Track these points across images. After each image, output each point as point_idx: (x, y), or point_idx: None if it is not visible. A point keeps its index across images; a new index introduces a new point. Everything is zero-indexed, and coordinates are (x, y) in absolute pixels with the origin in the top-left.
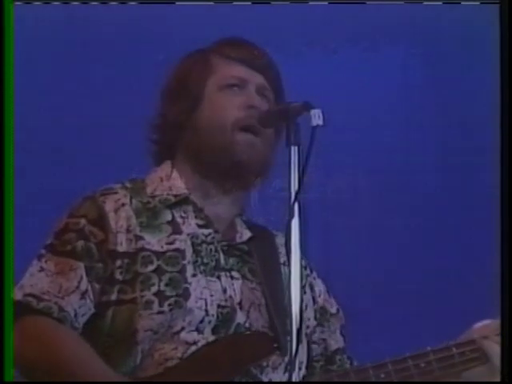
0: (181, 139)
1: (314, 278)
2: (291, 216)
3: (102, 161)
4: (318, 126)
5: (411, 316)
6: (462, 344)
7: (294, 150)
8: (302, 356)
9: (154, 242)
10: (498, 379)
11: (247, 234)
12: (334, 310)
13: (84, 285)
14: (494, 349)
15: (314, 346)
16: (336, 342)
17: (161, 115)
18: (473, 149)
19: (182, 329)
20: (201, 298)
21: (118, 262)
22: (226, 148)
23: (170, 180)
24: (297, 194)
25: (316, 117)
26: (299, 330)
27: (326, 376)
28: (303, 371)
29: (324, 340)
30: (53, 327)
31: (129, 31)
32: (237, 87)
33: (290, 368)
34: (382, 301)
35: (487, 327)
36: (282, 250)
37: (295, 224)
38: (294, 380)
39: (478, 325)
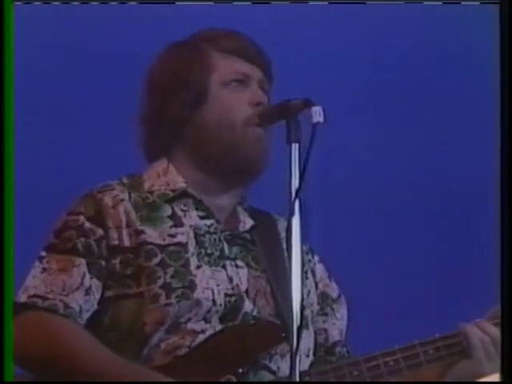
0: (181, 135)
1: (315, 264)
2: (292, 214)
3: (103, 161)
4: (318, 123)
5: (411, 312)
6: None
7: (294, 147)
8: (310, 342)
9: (155, 234)
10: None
11: (249, 223)
12: (335, 295)
13: (87, 281)
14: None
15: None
16: (339, 332)
17: (155, 109)
18: (473, 148)
19: (189, 319)
20: (207, 288)
21: (121, 257)
22: (236, 145)
23: (166, 175)
24: (297, 191)
25: (317, 114)
26: (300, 323)
27: (336, 364)
28: (311, 358)
29: (325, 330)
30: (57, 320)
31: (129, 31)
32: (241, 83)
33: (293, 358)
34: (382, 293)
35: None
36: (284, 234)
37: (296, 222)
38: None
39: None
